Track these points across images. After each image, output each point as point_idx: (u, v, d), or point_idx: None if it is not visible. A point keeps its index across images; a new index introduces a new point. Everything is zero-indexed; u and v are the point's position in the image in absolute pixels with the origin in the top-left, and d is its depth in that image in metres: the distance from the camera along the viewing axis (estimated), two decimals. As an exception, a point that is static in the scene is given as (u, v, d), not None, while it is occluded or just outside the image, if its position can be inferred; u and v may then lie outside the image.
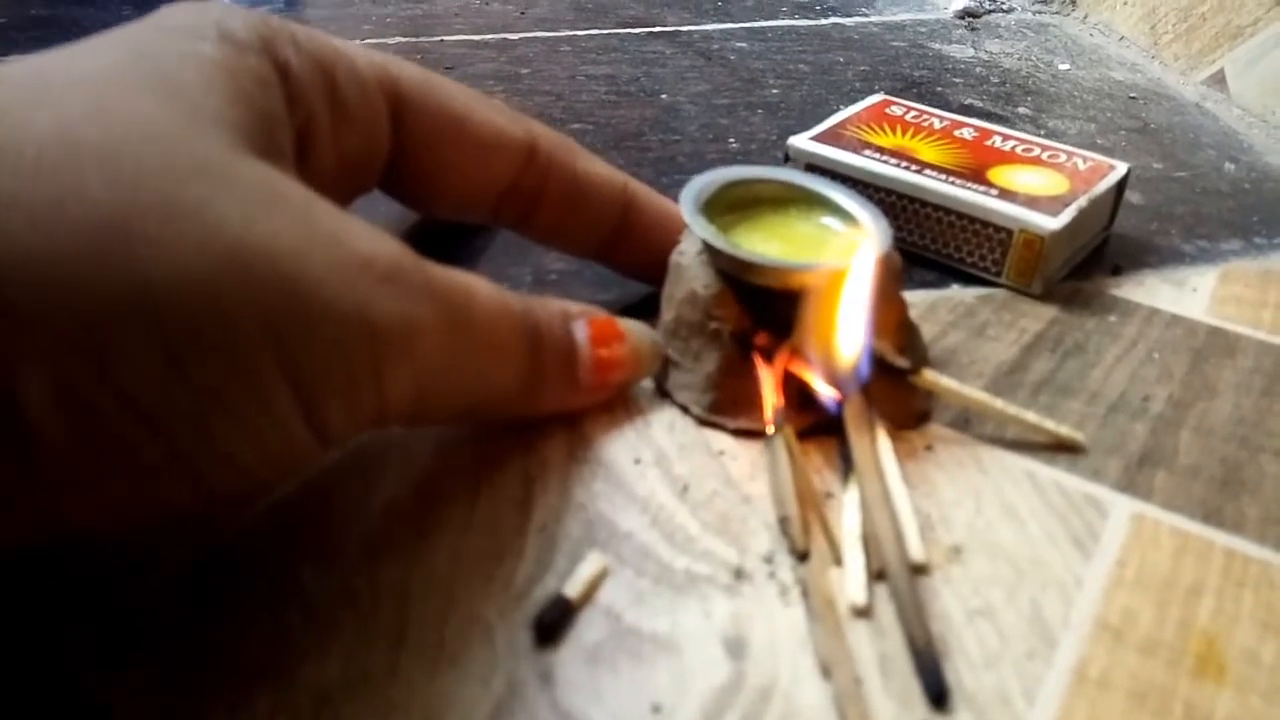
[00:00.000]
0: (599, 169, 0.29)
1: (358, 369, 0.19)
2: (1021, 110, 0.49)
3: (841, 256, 0.26)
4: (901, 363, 0.26)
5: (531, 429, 0.27)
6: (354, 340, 0.19)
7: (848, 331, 0.25)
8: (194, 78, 0.19)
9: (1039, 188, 0.34)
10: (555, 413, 0.27)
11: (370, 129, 0.25)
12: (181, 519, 0.22)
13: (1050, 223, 0.32)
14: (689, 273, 0.27)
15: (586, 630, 0.22)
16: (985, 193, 0.34)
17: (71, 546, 0.18)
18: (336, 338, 0.18)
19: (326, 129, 0.23)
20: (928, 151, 0.36)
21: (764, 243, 0.28)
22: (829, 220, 0.29)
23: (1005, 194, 0.34)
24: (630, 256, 0.31)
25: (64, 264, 0.15)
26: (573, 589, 0.22)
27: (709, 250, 0.27)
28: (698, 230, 0.27)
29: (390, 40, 0.56)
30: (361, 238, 0.19)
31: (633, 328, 0.27)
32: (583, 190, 0.29)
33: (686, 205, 0.28)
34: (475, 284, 0.22)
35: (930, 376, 0.27)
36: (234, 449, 0.18)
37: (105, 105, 0.17)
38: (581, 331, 0.25)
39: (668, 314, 0.28)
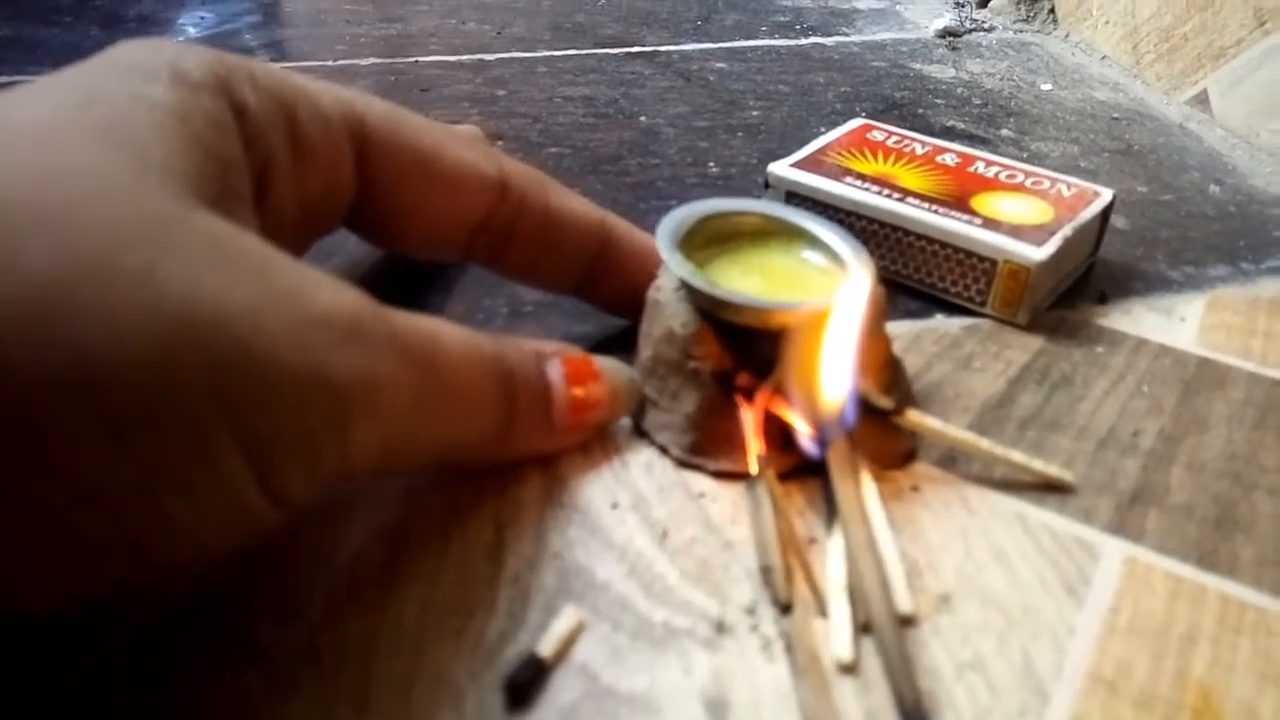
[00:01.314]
0: (573, 204, 0.28)
1: (318, 431, 0.18)
2: (1004, 132, 0.49)
3: (825, 296, 0.25)
4: (885, 403, 0.26)
5: (504, 471, 0.26)
6: (313, 402, 0.18)
7: (832, 376, 0.24)
8: (143, 124, 0.18)
9: (1023, 216, 0.34)
10: (530, 456, 0.26)
11: (333, 168, 0.24)
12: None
13: (1036, 253, 0.32)
14: (666, 310, 0.26)
15: (561, 692, 0.21)
16: (969, 222, 0.33)
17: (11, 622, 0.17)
18: (294, 401, 0.17)
19: (287, 169, 0.22)
20: (910, 178, 0.36)
21: (743, 278, 0.27)
22: (809, 254, 0.29)
23: (989, 223, 0.33)
24: (608, 292, 0.30)
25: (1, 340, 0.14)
26: (546, 647, 0.21)
27: (687, 287, 0.26)
28: (675, 268, 0.26)
29: (364, 61, 0.55)
30: (320, 291, 0.18)
31: (609, 366, 0.26)
32: (557, 226, 0.28)
33: (663, 241, 0.27)
34: (443, 330, 0.21)
35: (915, 417, 0.26)
36: (186, 524, 0.17)
37: (47, 160, 0.17)
38: (556, 372, 0.24)
39: (645, 351, 0.27)
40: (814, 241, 0.28)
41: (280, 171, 0.22)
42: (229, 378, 0.16)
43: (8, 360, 0.14)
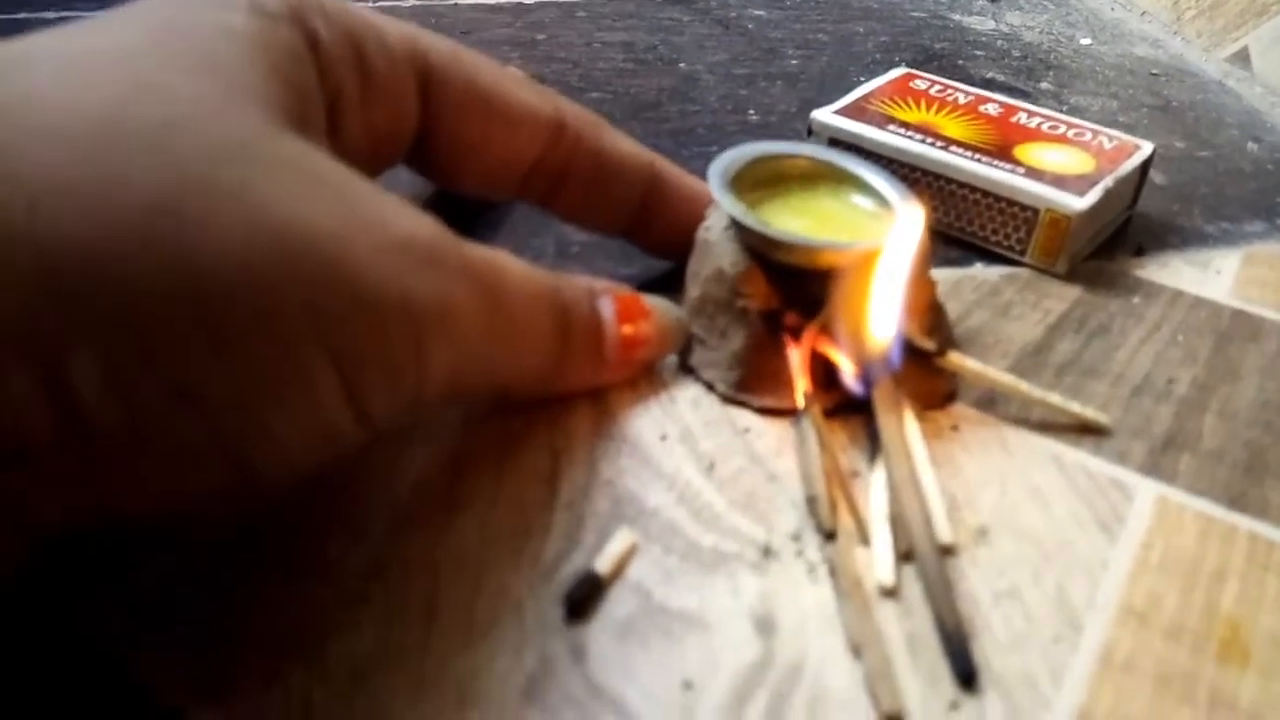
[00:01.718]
0: (626, 147, 0.29)
1: (399, 350, 0.19)
2: (1044, 85, 0.49)
3: (873, 238, 0.25)
4: (928, 345, 0.26)
5: (557, 404, 0.27)
6: (395, 321, 0.18)
7: (879, 317, 0.25)
8: (228, 52, 0.19)
9: (1065, 166, 0.34)
10: (581, 390, 0.27)
11: (398, 102, 0.25)
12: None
13: (1077, 203, 0.32)
14: (716, 249, 0.27)
15: (616, 606, 0.22)
16: (1012, 171, 0.33)
17: (116, 528, 0.18)
18: (378, 319, 0.18)
19: (355, 102, 0.23)
20: (953, 127, 0.36)
21: (793, 220, 0.28)
22: (858, 199, 0.29)
23: (1032, 172, 0.33)
24: (656, 235, 0.31)
25: (115, 250, 0.15)
26: (602, 565, 0.22)
27: (736, 227, 0.27)
28: (727, 207, 0.27)
29: (405, 3, 0.55)
30: (400, 217, 0.19)
31: (657, 304, 0.27)
32: (609, 167, 0.29)
33: (715, 181, 0.27)
34: (508, 262, 0.22)
35: (956, 359, 0.27)
36: (277, 432, 0.18)
37: (145, 83, 0.17)
38: (608, 308, 0.25)
39: (694, 290, 0.28)
40: (862, 186, 0.29)
41: (349, 104, 0.23)
42: (320, 294, 0.17)
43: (125, 270, 0.15)
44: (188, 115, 0.17)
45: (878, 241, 0.25)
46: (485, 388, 0.24)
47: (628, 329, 0.26)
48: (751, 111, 0.44)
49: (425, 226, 0.20)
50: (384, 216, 0.19)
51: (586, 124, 0.28)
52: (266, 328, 0.17)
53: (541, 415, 0.26)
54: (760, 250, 0.27)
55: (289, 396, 0.17)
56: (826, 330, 0.26)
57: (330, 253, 0.17)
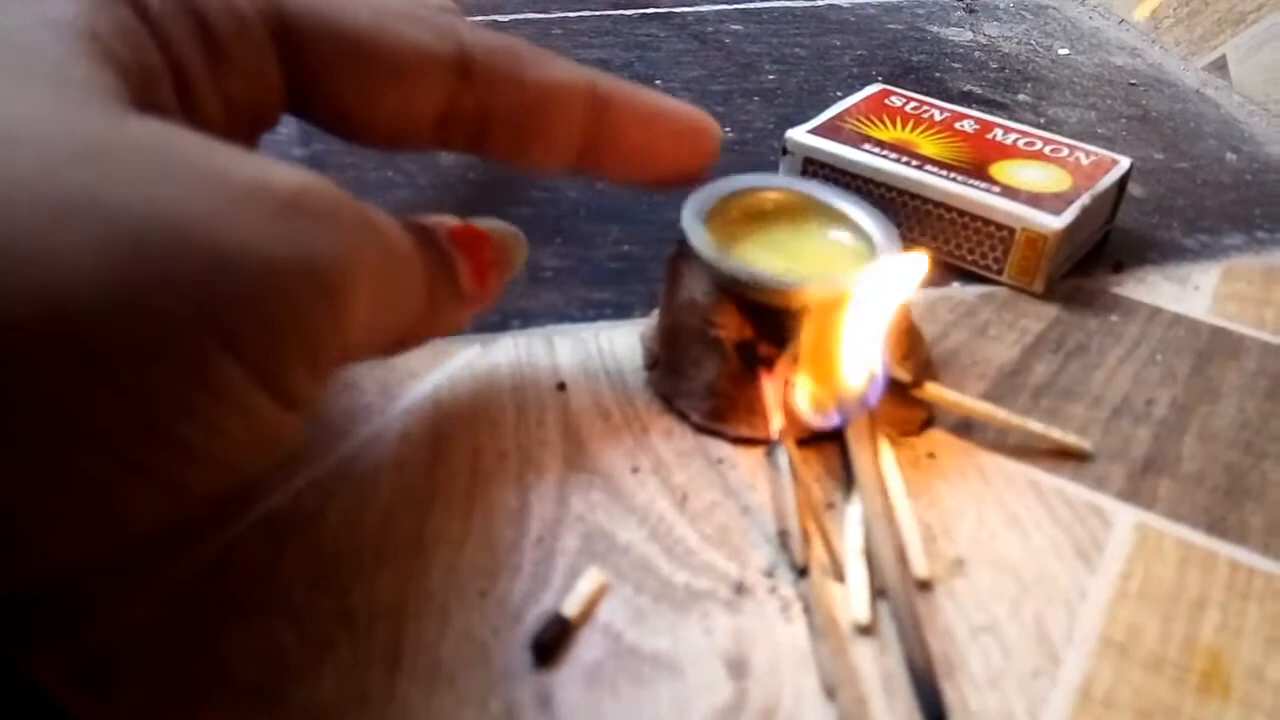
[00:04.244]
0: (555, 74, 0.25)
1: (312, 319, 0.17)
2: (1021, 97, 0.49)
3: (851, 274, 0.25)
4: (904, 376, 0.26)
5: (527, 437, 0.26)
6: (302, 289, 0.17)
7: (856, 355, 0.24)
8: (52, 48, 0.17)
9: (1041, 184, 0.34)
10: (446, 332, 0.25)
11: (255, 71, 0.22)
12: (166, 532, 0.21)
13: (1053, 222, 0.32)
14: (688, 278, 0.27)
15: (585, 650, 0.21)
16: (987, 190, 0.33)
17: (57, 583, 0.17)
18: (282, 293, 0.16)
19: (203, 75, 0.21)
20: (928, 145, 0.36)
21: (768, 255, 0.28)
22: (836, 233, 0.29)
23: (1007, 191, 0.33)
24: (612, 164, 0.27)
25: None
26: (571, 607, 0.22)
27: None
28: (695, 243, 0.26)
29: (379, 22, 0.55)
30: (280, 176, 0.17)
31: (492, 226, 0.25)
32: (537, 101, 0.25)
33: (688, 215, 0.27)
34: (375, 209, 0.20)
35: (933, 390, 0.26)
36: (201, 448, 0.16)
37: None
38: (450, 243, 0.23)
39: (667, 319, 0.28)
40: (841, 219, 0.29)
41: (196, 78, 0.21)
42: (207, 286, 0.15)
43: None
44: (17, 131, 0.15)
45: (850, 281, 0.25)
46: (382, 343, 0.22)
47: (475, 258, 0.24)
48: (729, 129, 0.44)
49: (310, 179, 0.18)
50: (261, 179, 0.17)
51: (503, 57, 0.24)
52: (152, 342, 0.15)
53: (511, 447, 0.26)
54: (731, 287, 0.26)
55: (197, 405, 0.16)
56: (800, 362, 0.25)
57: (207, 236, 0.15)
